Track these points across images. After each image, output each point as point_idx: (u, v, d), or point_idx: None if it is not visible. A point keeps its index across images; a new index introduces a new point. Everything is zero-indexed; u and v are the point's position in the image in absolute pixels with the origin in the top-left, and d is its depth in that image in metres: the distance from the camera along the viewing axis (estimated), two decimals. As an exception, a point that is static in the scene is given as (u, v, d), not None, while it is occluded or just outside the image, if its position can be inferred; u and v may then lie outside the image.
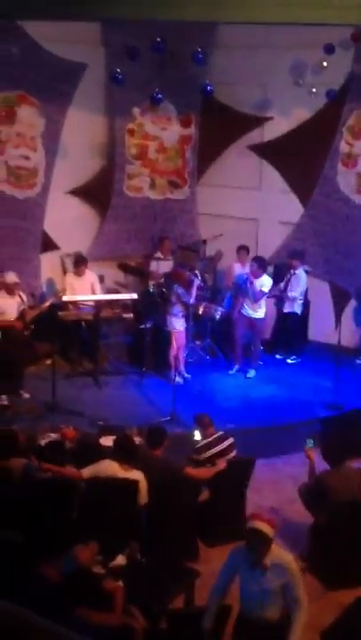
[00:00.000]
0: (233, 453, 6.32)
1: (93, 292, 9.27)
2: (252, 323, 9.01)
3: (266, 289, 8.96)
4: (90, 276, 9.39)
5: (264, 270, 8.99)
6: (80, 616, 4.22)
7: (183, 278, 8.77)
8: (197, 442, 6.34)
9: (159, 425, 6.59)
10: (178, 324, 8.73)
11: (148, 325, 9.21)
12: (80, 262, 9.37)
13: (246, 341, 9.18)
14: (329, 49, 9.17)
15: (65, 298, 8.99)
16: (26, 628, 3.33)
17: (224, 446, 6.29)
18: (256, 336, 9.14)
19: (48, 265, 10.08)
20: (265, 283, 8.96)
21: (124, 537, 5.40)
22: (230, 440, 6.36)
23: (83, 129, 10.04)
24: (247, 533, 4.36)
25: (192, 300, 8.75)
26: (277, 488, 7.05)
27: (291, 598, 4.35)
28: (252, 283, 8.85)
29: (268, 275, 10.37)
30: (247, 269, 9.80)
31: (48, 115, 9.65)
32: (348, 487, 5.76)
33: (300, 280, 9.53)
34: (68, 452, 6.21)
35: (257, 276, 8.88)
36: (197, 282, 8.92)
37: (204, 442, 6.29)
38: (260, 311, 9.03)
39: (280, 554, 4.41)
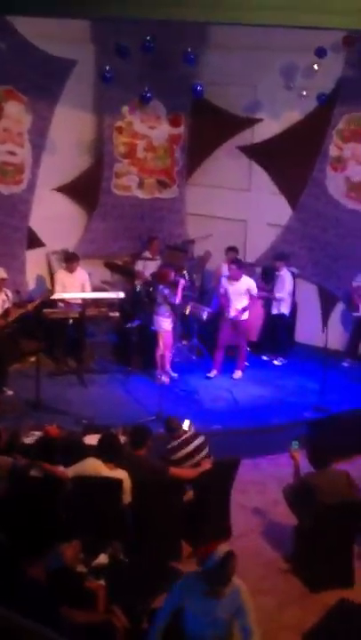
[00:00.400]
0: (205, 452, 6.23)
1: (83, 290, 9.22)
2: (236, 324, 8.97)
3: (255, 290, 8.95)
4: (81, 273, 9.35)
5: (242, 272, 8.96)
6: (63, 615, 4.17)
7: (169, 278, 8.73)
8: (169, 443, 6.24)
9: (143, 424, 6.53)
10: (165, 324, 8.69)
11: (135, 324, 9.17)
12: (72, 259, 9.32)
13: (231, 343, 9.13)
14: (321, 52, 9.18)
15: (53, 296, 8.92)
16: (16, 631, 3.29)
17: (195, 445, 6.18)
18: (241, 337, 9.10)
19: (33, 262, 10.00)
20: (250, 283, 8.94)
21: (108, 536, 5.36)
22: (201, 439, 6.27)
23: (71, 126, 9.99)
24: (224, 559, 4.09)
25: (177, 301, 8.70)
26: (262, 489, 7.03)
27: (242, 626, 4.12)
28: (231, 284, 8.81)
29: (257, 276, 10.45)
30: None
31: (36, 111, 9.59)
32: (334, 489, 5.73)
33: (285, 281, 9.52)
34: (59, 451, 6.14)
35: (237, 278, 8.84)
36: (183, 282, 8.89)
37: (175, 443, 6.19)
38: (243, 313, 8.98)
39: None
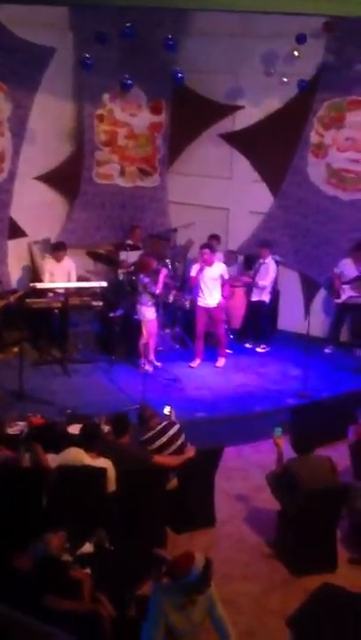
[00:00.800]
0: (181, 440, 6.23)
1: (69, 279, 9.21)
2: (210, 312, 8.98)
3: (227, 275, 8.97)
4: (68, 262, 9.33)
5: (214, 257, 8.94)
6: (48, 603, 4.20)
7: (150, 267, 8.71)
8: (144, 434, 6.20)
9: (124, 412, 6.54)
10: (148, 313, 8.69)
11: (118, 314, 9.17)
12: (59, 248, 9.31)
13: (209, 331, 9.14)
14: (301, 39, 9.17)
15: (36, 285, 8.88)
16: (10, 626, 3.31)
17: (169, 435, 6.16)
18: (218, 324, 9.08)
19: (15, 252, 9.94)
20: (223, 268, 8.94)
21: (93, 524, 5.39)
22: (176, 427, 6.25)
23: (51, 114, 9.91)
24: (205, 569, 3.96)
25: (158, 290, 8.67)
26: (245, 475, 7.08)
27: (215, 617, 4.11)
28: (202, 270, 8.76)
29: (239, 264, 10.47)
30: (218, 259, 9.80)
31: (15, 99, 9.48)
32: (317, 474, 5.80)
33: (270, 269, 9.55)
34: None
35: (210, 264, 8.82)
36: (165, 271, 8.87)
37: (150, 434, 6.16)
38: (214, 299, 8.92)
39: None
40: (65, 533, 4.82)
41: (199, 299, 8.92)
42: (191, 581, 3.97)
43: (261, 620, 5.18)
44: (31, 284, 8.97)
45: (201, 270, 8.78)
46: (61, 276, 9.19)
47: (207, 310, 8.93)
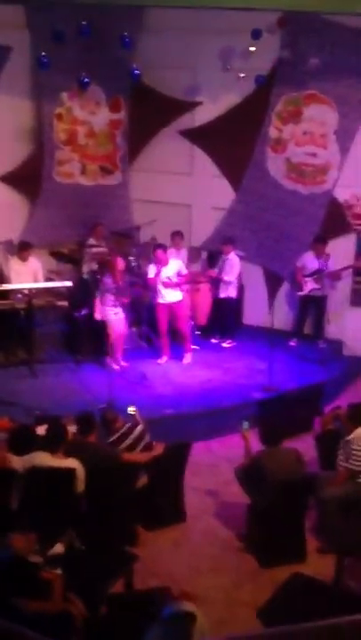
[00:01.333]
0: (146, 440, 6.28)
1: (36, 279, 9.16)
2: (172, 308, 9.00)
3: (184, 270, 8.99)
4: (33, 262, 9.28)
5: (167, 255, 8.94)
6: (17, 605, 4.19)
7: (115, 267, 8.68)
8: (108, 437, 6.21)
9: (89, 411, 6.55)
10: (110, 314, 8.65)
11: (83, 313, 9.14)
12: (24, 248, 9.24)
13: (174, 327, 9.18)
14: (256, 34, 9.22)
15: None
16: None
17: (134, 437, 6.21)
18: (181, 321, 9.10)
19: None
20: (179, 265, 8.95)
21: (62, 525, 5.39)
22: (140, 428, 6.30)
23: (9, 114, 9.82)
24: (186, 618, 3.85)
25: (116, 286, 8.60)
26: (214, 470, 7.14)
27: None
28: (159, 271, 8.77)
29: (203, 260, 10.52)
30: (182, 255, 9.84)
31: (-27, 99, 9.41)
32: (284, 466, 5.87)
33: (234, 265, 9.61)
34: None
35: (164, 263, 8.82)
36: (121, 264, 8.74)
37: (115, 436, 6.19)
38: (173, 295, 8.95)
39: None
40: (35, 535, 4.81)
41: (159, 297, 8.94)
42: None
43: (233, 611, 5.24)
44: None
45: (158, 271, 8.80)
46: (27, 276, 9.13)
47: (169, 307, 8.95)
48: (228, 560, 5.87)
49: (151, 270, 8.91)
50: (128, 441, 6.19)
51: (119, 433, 6.20)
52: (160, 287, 8.87)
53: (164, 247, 8.98)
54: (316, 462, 6.68)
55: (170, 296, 8.92)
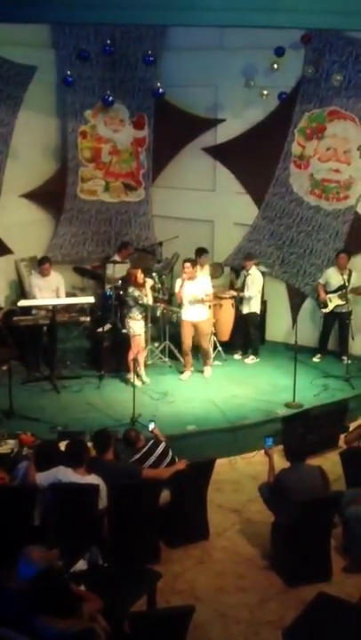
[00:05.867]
0: (169, 457, 6.26)
1: (58, 294, 9.20)
2: (196, 325, 8.99)
3: (209, 290, 8.97)
4: (56, 277, 9.33)
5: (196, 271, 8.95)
6: (44, 622, 4.12)
7: (137, 280, 8.70)
8: (132, 457, 6.20)
9: (104, 429, 6.52)
10: (136, 327, 8.68)
11: (106, 329, 9.15)
12: (43, 262, 9.30)
13: (195, 344, 9.15)
14: (279, 51, 9.27)
15: (20, 303, 8.87)
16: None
17: (157, 455, 6.19)
18: (203, 338, 9.08)
19: (2, 270, 9.94)
20: (205, 283, 8.95)
21: (85, 541, 5.35)
22: (163, 445, 6.29)
23: (34, 132, 9.97)
24: None
25: (149, 302, 8.68)
26: (238, 487, 7.07)
27: None
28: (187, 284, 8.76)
29: (225, 276, 10.50)
30: (206, 272, 9.84)
31: (-2, 117, 9.54)
32: (308, 484, 5.80)
33: (255, 280, 9.58)
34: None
35: (192, 278, 8.84)
36: (151, 282, 8.84)
37: (138, 455, 6.18)
38: (198, 313, 8.94)
39: None
40: (58, 551, 4.76)
41: (183, 313, 8.93)
42: None
43: (258, 631, 5.15)
44: (19, 303, 8.93)
45: (183, 285, 8.81)
46: (49, 291, 9.19)
47: (192, 324, 8.95)
48: (253, 578, 5.79)
49: (177, 284, 8.91)
50: (152, 458, 6.17)
51: (142, 452, 6.19)
52: (185, 303, 8.87)
53: (193, 261, 8.99)
54: (342, 480, 6.58)
55: (195, 313, 8.91)
